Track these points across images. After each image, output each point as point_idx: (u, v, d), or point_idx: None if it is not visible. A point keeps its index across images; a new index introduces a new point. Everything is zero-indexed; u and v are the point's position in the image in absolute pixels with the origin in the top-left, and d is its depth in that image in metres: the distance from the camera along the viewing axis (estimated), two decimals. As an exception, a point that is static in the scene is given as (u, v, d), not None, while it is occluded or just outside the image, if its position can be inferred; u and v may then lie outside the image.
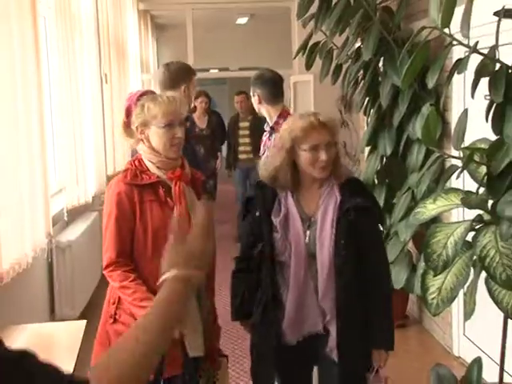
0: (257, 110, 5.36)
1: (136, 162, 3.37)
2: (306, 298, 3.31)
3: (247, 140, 10.35)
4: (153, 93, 3.53)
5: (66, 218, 6.26)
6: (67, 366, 3.50)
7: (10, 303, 4.63)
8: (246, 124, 10.48)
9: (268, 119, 5.19)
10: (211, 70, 15.48)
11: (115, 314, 3.23)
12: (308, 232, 3.32)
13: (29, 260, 4.83)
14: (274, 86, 5.17)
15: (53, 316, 5.77)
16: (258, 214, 3.37)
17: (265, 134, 5.28)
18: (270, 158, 3.42)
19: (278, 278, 3.38)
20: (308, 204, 3.39)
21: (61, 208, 6.17)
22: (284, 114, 5.00)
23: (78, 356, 3.74)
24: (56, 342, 4.32)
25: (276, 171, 3.32)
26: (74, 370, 3.57)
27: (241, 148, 10.48)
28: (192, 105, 5.11)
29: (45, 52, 5.74)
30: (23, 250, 4.74)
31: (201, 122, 10.34)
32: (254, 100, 5.23)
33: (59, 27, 6.18)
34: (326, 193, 3.35)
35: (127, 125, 3.44)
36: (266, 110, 5.17)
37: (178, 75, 4.57)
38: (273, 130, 5.05)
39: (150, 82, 12.39)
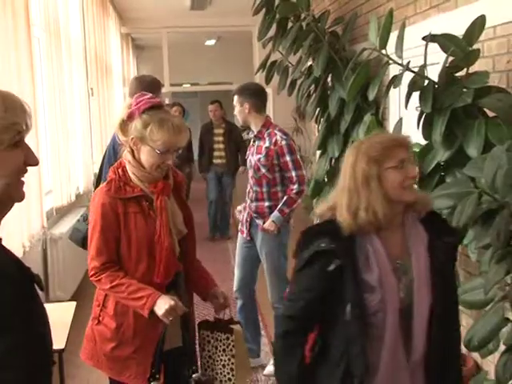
0: (242, 120, 5.06)
1: (120, 172, 2.97)
2: (398, 360, 2.33)
3: (222, 146, 9.65)
4: (160, 107, 3.01)
5: (55, 214, 6.22)
6: (59, 340, 3.50)
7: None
8: (221, 131, 9.59)
9: (254, 128, 4.98)
10: (184, 85, 15.45)
11: (99, 315, 3.00)
12: (401, 284, 2.35)
13: (26, 249, 4.85)
14: (262, 97, 5.04)
15: (47, 298, 5.71)
16: (332, 267, 2.29)
17: (246, 138, 5.21)
18: (346, 200, 2.35)
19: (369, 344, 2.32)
20: (391, 247, 2.37)
21: (53, 205, 6.14)
22: (267, 124, 4.91)
23: (69, 331, 3.75)
24: (50, 320, 4.29)
25: (366, 210, 2.29)
26: (66, 343, 3.60)
27: (216, 153, 9.61)
28: None
29: (39, 68, 5.68)
30: (21, 240, 4.76)
31: None
32: (241, 110, 4.96)
33: (51, 47, 6.14)
34: (412, 231, 2.40)
35: (125, 124, 2.96)
36: (253, 119, 4.95)
37: (150, 89, 4.44)
38: (256, 137, 4.94)
39: (131, 95, 12.28)
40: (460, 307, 2.88)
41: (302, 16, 5.85)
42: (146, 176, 2.94)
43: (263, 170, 4.83)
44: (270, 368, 4.91)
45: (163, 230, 2.93)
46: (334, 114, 5.59)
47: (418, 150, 3.61)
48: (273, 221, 4.79)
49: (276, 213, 4.79)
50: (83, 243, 4.62)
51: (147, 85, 4.45)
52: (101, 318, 2.99)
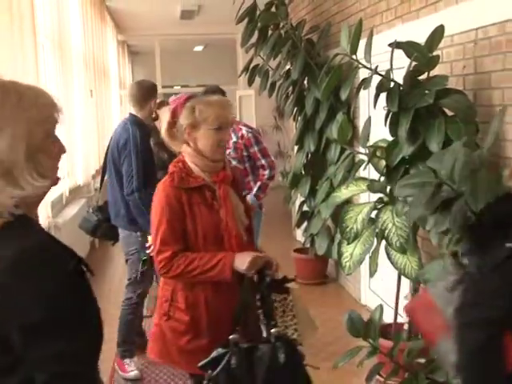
0: None
1: (180, 165, 2.73)
2: None
3: None
4: (193, 96, 2.81)
5: (64, 202, 6.19)
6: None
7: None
8: None
9: None
10: (175, 87, 15.35)
11: (169, 311, 2.70)
12: None
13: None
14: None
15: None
16: None
17: None
18: None
19: None
20: None
21: (57, 195, 6.11)
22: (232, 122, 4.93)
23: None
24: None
25: None
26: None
27: None
28: (154, 114, 4.90)
29: (43, 72, 5.63)
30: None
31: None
32: None
33: (54, 53, 6.10)
34: None
35: (171, 125, 2.76)
36: None
37: (149, 92, 4.47)
38: None
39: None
40: (422, 285, 2.90)
41: (281, 25, 5.85)
42: (207, 165, 2.71)
43: (234, 162, 4.82)
44: None
45: (229, 218, 2.68)
46: (309, 113, 5.60)
47: (385, 145, 3.63)
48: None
49: (252, 197, 4.82)
50: (93, 231, 4.64)
51: (146, 89, 4.47)
52: (171, 313, 2.71)
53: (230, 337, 2.50)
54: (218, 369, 2.45)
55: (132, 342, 4.47)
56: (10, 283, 1.28)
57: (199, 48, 15.55)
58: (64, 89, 6.43)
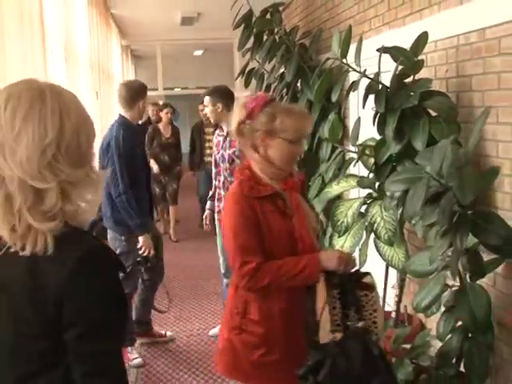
0: (214, 118, 4.80)
1: (247, 172, 2.47)
2: None
3: (212, 144, 8.65)
4: (272, 100, 2.52)
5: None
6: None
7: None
8: (211, 129, 8.27)
9: (225, 126, 4.77)
10: (175, 89, 15.35)
11: (241, 324, 2.45)
12: None
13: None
14: (232, 97, 4.84)
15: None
16: None
17: (216, 137, 4.92)
18: None
19: None
20: None
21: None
22: None
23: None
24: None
25: None
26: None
27: (207, 151, 8.54)
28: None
29: (52, 75, 5.62)
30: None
31: (166, 131, 8.52)
32: (214, 109, 4.73)
33: (62, 57, 6.08)
34: None
35: (242, 122, 2.46)
36: (225, 118, 4.69)
37: (137, 93, 4.27)
38: (228, 134, 4.66)
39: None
40: (408, 276, 2.91)
41: (276, 30, 5.85)
42: (275, 172, 2.46)
43: (238, 161, 4.70)
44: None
45: (302, 226, 2.47)
46: (303, 114, 5.61)
47: (374, 143, 3.64)
48: None
49: None
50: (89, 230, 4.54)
51: (135, 89, 4.27)
52: (244, 327, 2.46)
53: (327, 339, 2.26)
54: (323, 373, 2.18)
55: (130, 331, 4.46)
56: (78, 283, 1.30)
57: (199, 52, 15.52)
58: (71, 90, 6.41)
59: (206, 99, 4.76)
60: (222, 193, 4.75)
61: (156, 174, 8.28)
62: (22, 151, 1.28)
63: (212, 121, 4.95)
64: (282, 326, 2.44)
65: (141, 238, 4.08)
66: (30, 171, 1.28)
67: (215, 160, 4.92)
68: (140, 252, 4.01)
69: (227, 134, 4.74)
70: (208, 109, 4.78)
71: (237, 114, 2.48)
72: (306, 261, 2.39)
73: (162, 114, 8.74)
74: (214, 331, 4.90)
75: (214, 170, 4.99)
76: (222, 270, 5.03)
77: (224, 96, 4.78)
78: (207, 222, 4.97)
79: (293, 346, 2.43)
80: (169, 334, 4.83)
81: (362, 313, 2.44)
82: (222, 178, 4.81)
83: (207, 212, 4.98)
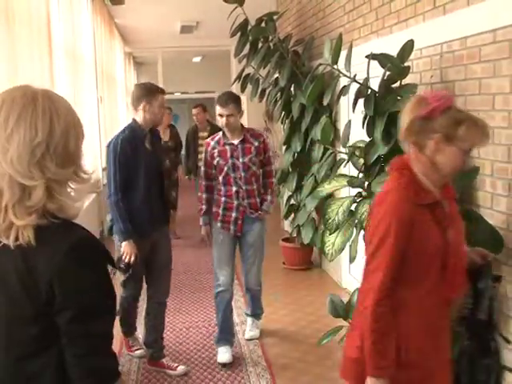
0: (235, 127, 4.14)
1: (408, 173, 2.09)
2: None
3: None
4: (450, 106, 2.07)
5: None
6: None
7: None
8: (205, 134, 7.48)
9: (237, 134, 4.15)
10: (175, 93, 15.34)
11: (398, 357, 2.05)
12: None
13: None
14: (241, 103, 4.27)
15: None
16: None
17: (223, 146, 4.23)
18: None
19: None
20: None
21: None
22: (243, 127, 4.24)
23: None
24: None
25: None
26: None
27: (201, 156, 7.57)
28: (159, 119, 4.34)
29: (58, 80, 5.62)
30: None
31: (165, 135, 7.48)
32: (238, 119, 4.16)
33: (68, 63, 6.08)
34: None
35: (418, 122, 2.02)
36: (239, 125, 4.19)
37: (140, 94, 3.88)
38: (241, 142, 4.14)
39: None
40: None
41: (270, 38, 5.87)
42: (440, 180, 2.09)
43: (254, 168, 4.20)
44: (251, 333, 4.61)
45: (459, 240, 2.13)
46: (296, 117, 5.62)
47: (363, 145, 3.65)
48: (266, 211, 4.32)
49: (269, 203, 4.33)
50: (109, 231, 4.23)
51: (140, 91, 4.04)
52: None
53: None
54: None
55: (130, 324, 4.39)
56: (69, 269, 1.32)
57: (197, 59, 15.51)
58: (77, 95, 6.42)
59: (232, 107, 4.09)
60: (238, 201, 4.22)
61: None
62: (13, 150, 1.31)
63: (231, 129, 4.15)
64: (421, 345, 2.09)
65: (122, 244, 3.88)
66: (20, 169, 1.31)
67: (221, 169, 4.23)
68: (123, 258, 3.82)
69: (242, 141, 4.19)
70: (233, 118, 4.11)
71: (411, 108, 2.08)
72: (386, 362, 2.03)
73: (163, 119, 8.29)
74: (251, 334, 4.57)
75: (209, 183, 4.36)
76: (229, 282, 4.39)
77: (239, 102, 4.22)
78: (207, 239, 4.45)
79: (434, 366, 2.11)
80: (181, 367, 4.20)
81: None
82: (234, 188, 4.21)
83: (205, 228, 4.41)
